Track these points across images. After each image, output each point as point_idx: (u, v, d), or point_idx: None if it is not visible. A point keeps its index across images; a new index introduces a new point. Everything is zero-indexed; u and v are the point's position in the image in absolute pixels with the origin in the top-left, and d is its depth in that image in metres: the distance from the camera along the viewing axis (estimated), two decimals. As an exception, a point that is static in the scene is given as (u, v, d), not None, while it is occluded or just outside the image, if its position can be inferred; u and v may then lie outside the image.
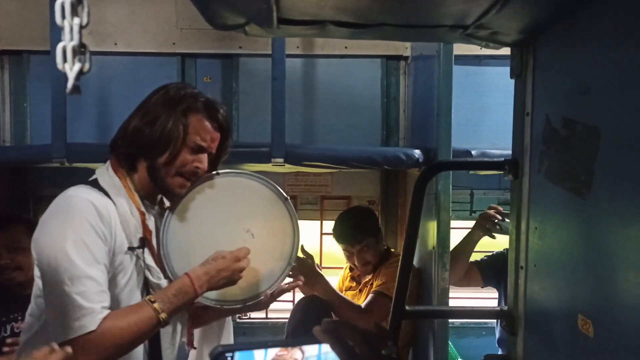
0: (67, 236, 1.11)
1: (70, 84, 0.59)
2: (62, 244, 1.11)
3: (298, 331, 2.22)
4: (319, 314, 2.22)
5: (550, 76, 1.17)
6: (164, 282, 1.30)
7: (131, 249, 1.23)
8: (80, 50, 0.60)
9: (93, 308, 1.09)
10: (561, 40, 1.11)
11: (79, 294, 1.09)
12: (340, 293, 2.28)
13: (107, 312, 1.12)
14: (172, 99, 1.29)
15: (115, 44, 2.56)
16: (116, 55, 2.58)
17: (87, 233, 1.13)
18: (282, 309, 2.96)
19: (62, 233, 1.12)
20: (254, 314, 2.96)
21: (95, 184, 1.25)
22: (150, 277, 1.28)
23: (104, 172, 1.28)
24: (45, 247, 1.13)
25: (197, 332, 1.57)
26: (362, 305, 2.20)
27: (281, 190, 1.40)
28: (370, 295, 2.21)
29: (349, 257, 2.40)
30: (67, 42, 0.59)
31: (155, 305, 1.15)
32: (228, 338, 1.61)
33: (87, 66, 0.60)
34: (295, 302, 2.40)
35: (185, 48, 2.62)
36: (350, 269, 2.56)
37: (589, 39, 1.00)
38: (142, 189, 1.30)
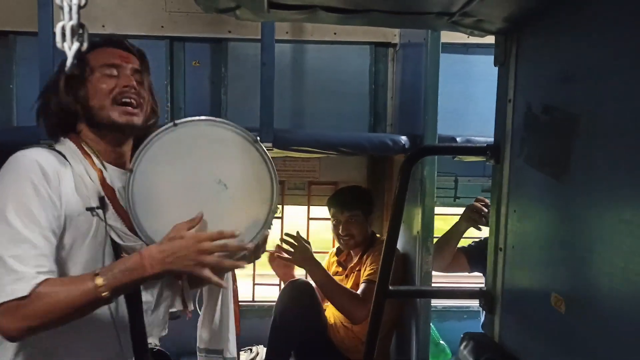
0: (8, 198, 1.06)
1: (69, 62, 0.62)
2: (3, 207, 1.05)
3: (286, 314, 2.27)
4: (306, 297, 2.27)
5: (532, 64, 1.21)
6: (138, 246, 1.21)
7: (89, 209, 1.16)
8: (78, 29, 0.62)
9: (27, 272, 1.02)
10: (544, 30, 1.14)
11: (13, 257, 1.02)
12: (336, 281, 2.32)
13: (43, 277, 1.04)
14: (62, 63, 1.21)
15: (103, 26, 2.54)
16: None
17: (29, 196, 1.07)
18: (268, 294, 3.01)
19: (3, 194, 1.07)
20: (241, 298, 3.00)
21: (52, 148, 1.20)
22: (119, 240, 1.19)
23: (60, 140, 1.24)
24: None
25: (204, 291, 1.55)
26: (359, 293, 2.24)
27: (249, 133, 1.27)
28: (362, 284, 2.26)
29: (335, 226, 2.45)
30: (67, 22, 0.61)
31: (98, 279, 1.05)
32: (227, 298, 1.58)
33: (85, 45, 0.62)
34: (283, 285, 2.43)
35: (174, 31, 2.61)
36: (337, 254, 2.60)
37: (571, 28, 1.03)
38: (98, 149, 1.23)
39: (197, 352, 1.61)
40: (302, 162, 2.86)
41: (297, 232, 2.34)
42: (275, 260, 2.39)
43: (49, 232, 1.08)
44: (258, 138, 1.28)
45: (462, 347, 1.33)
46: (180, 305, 1.38)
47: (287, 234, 2.33)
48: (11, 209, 1.05)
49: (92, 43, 1.21)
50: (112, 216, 1.20)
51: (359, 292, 2.25)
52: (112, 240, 1.19)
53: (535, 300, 1.14)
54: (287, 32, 2.64)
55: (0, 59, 2.59)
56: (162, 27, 2.59)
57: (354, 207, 2.40)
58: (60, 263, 1.13)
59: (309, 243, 2.32)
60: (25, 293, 1.01)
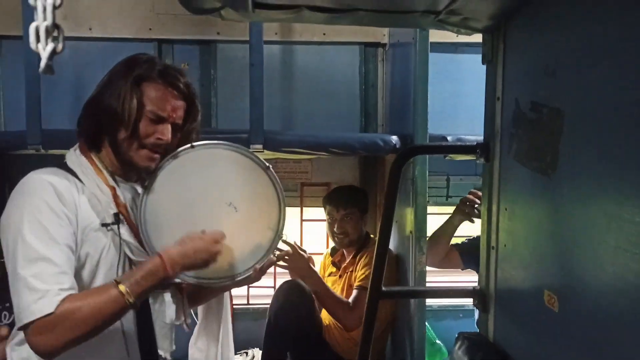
0: (23, 218, 1.08)
1: (43, 63, 0.60)
2: (19, 226, 1.08)
3: (280, 315, 2.25)
4: (300, 297, 2.26)
5: (519, 60, 1.20)
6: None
7: (105, 225, 1.19)
8: (53, 30, 0.60)
9: (49, 290, 1.04)
10: (529, 25, 1.14)
11: (34, 276, 1.05)
12: (330, 289, 2.32)
13: (65, 294, 1.06)
14: (127, 67, 1.23)
15: (90, 29, 2.52)
16: (91, 40, 2.54)
17: (44, 213, 1.09)
18: (264, 295, 2.98)
19: (19, 215, 1.09)
20: (235, 300, 2.98)
21: (64, 167, 1.22)
22: (131, 255, 1.23)
23: (72, 154, 1.26)
24: (3, 230, 1.11)
25: (200, 310, 1.57)
26: (350, 300, 2.25)
27: (262, 159, 1.32)
28: (354, 292, 2.26)
29: (330, 224, 2.46)
30: (40, 22, 0.59)
31: (121, 286, 1.09)
32: (226, 316, 1.60)
33: (60, 46, 0.61)
34: (277, 287, 2.42)
35: (162, 33, 2.59)
36: (331, 254, 2.59)
37: (554, 22, 1.03)
38: (112, 166, 1.25)
39: None
40: (294, 163, 2.85)
41: (295, 242, 2.34)
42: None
43: (67, 249, 1.11)
44: (270, 166, 1.33)
45: (456, 347, 1.32)
46: (181, 317, 1.40)
47: (283, 241, 2.31)
48: (28, 228, 1.07)
49: (149, 72, 1.22)
50: (125, 232, 1.23)
51: (350, 299, 2.25)
52: (126, 255, 1.23)
53: (528, 298, 1.13)
54: (276, 33, 2.63)
55: (-14, 64, 2.57)
56: (150, 29, 2.57)
57: (349, 205, 2.41)
58: (77, 278, 1.14)
59: (304, 251, 2.31)
60: (50, 310, 1.03)
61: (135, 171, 1.28)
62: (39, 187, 1.12)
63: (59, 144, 1.99)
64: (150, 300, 1.29)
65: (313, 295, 2.31)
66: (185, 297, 1.41)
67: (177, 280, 1.33)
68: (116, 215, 1.21)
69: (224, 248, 1.25)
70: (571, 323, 0.97)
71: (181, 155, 1.28)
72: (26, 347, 1.11)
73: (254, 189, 1.32)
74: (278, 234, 1.34)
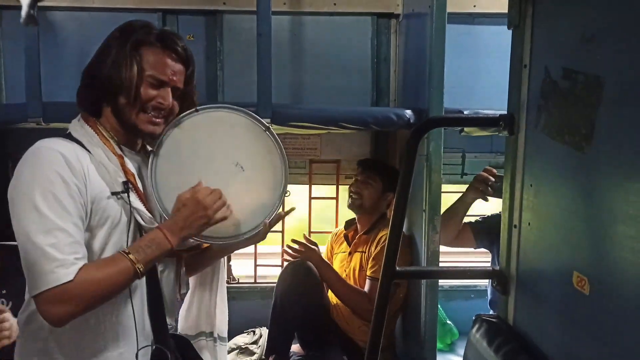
0: (35, 189, 1.09)
1: (24, 12, 0.52)
2: (31, 197, 1.08)
3: (286, 296, 2.23)
4: (306, 278, 2.22)
5: (550, 25, 1.11)
6: None
7: (115, 193, 1.20)
8: (33, -26, 0.53)
9: (66, 259, 1.07)
10: (564, -15, 1.04)
11: (51, 246, 1.07)
12: (344, 280, 2.30)
13: (81, 263, 1.10)
14: (124, 33, 1.23)
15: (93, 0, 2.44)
16: (94, 11, 2.46)
17: (56, 185, 1.10)
18: (270, 274, 2.95)
19: (30, 186, 1.09)
20: (242, 279, 2.95)
21: (69, 137, 1.22)
22: (142, 222, 1.24)
23: (76, 124, 1.25)
24: (14, 201, 1.11)
25: (191, 279, 1.58)
26: (366, 289, 2.23)
27: (261, 120, 1.38)
28: (368, 282, 2.24)
29: (353, 183, 2.45)
30: (18, -36, 0.52)
31: (131, 256, 1.14)
32: (222, 283, 1.63)
33: (42, -7, 0.53)
34: (283, 268, 2.38)
35: (166, 3, 2.50)
36: (345, 227, 2.55)
37: (595, -18, 0.94)
38: (116, 134, 1.26)
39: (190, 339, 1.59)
40: (303, 139, 2.77)
41: (304, 235, 2.38)
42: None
43: (78, 220, 1.13)
44: (270, 126, 1.38)
45: (474, 330, 1.26)
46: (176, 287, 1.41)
47: (293, 240, 2.31)
48: (41, 199, 1.08)
49: (147, 37, 1.23)
50: (135, 199, 1.24)
51: (365, 289, 2.23)
52: (136, 222, 1.24)
53: (554, 280, 1.06)
54: (284, 3, 2.53)
55: (-14, 35, 2.50)
56: (154, -1, 2.48)
57: (374, 172, 2.39)
58: (87, 247, 1.16)
59: (316, 244, 2.32)
60: (69, 278, 1.07)
61: (139, 138, 1.31)
62: (50, 157, 1.12)
63: (60, 116, 1.93)
64: (159, 269, 1.31)
65: (319, 277, 2.28)
66: (183, 265, 1.42)
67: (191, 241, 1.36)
68: (125, 183, 1.22)
69: (232, 207, 1.30)
70: (603, 306, 0.90)
71: (186, 119, 1.32)
72: (37, 320, 1.15)
73: (257, 148, 1.38)
74: (283, 191, 1.40)
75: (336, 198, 2.91)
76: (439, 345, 2.44)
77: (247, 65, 2.43)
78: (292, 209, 1.66)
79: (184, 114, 1.31)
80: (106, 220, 1.19)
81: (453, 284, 2.89)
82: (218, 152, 1.35)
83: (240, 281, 2.93)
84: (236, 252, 3.20)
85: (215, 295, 1.63)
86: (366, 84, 2.65)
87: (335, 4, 2.56)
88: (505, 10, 1.27)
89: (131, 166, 1.27)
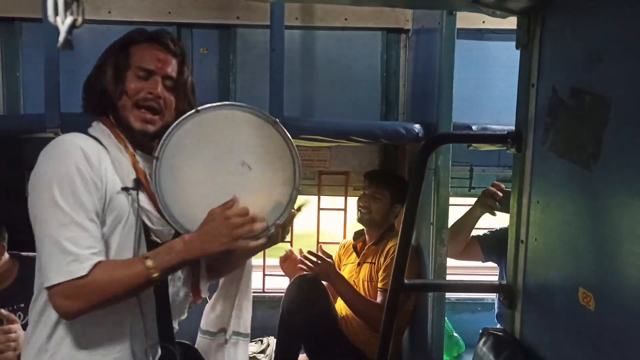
0: (53, 182, 1.10)
1: (61, 37, 0.56)
2: (50, 188, 1.10)
3: (292, 310, 2.24)
4: (312, 292, 2.24)
5: (558, 45, 1.14)
6: (166, 230, 1.28)
7: (125, 189, 1.21)
8: (72, 2, 0.57)
9: (82, 254, 1.09)
10: (572, 8, 1.07)
11: (68, 240, 1.08)
12: (358, 292, 2.31)
13: (97, 259, 1.11)
14: (118, 40, 1.28)
15: (110, 12, 2.49)
16: (110, 24, 2.51)
17: (75, 179, 1.11)
18: (279, 285, 2.97)
19: (49, 177, 1.11)
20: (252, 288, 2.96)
21: (87, 134, 1.25)
22: (149, 223, 1.25)
23: (94, 125, 1.29)
24: (33, 191, 1.13)
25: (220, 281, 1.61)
26: (378, 301, 2.24)
27: (268, 114, 1.30)
28: (380, 294, 2.26)
29: (360, 197, 2.47)
30: (59, -7, 0.56)
31: (148, 262, 1.13)
32: (247, 283, 1.63)
33: (79, 20, 0.57)
34: (289, 282, 2.39)
35: (181, 17, 2.55)
36: (354, 238, 2.57)
37: (602, 4, 0.96)
38: (127, 137, 1.27)
39: (208, 336, 1.64)
40: (312, 151, 2.80)
41: (320, 247, 2.39)
42: (285, 261, 2.40)
43: (94, 215, 1.14)
44: (277, 120, 1.29)
45: (480, 343, 1.28)
46: (193, 293, 1.43)
47: (309, 252, 2.32)
48: (59, 193, 1.09)
49: (137, 36, 1.27)
50: (144, 199, 1.24)
51: (377, 300, 2.25)
52: (143, 223, 1.24)
53: (560, 295, 1.08)
54: (296, 18, 2.57)
55: (6, 46, 2.56)
56: (170, 13, 2.53)
57: (382, 186, 2.40)
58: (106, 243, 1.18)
59: (331, 257, 2.34)
60: (84, 272, 1.08)
61: (139, 139, 1.28)
62: (71, 150, 1.13)
63: (77, 127, 1.94)
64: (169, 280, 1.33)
65: (327, 290, 2.31)
66: (203, 269, 1.42)
67: None
68: (136, 180, 1.23)
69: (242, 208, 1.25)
70: (608, 322, 0.92)
71: (187, 120, 1.26)
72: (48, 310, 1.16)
73: (265, 145, 1.29)
74: (295, 187, 1.31)
75: (344, 209, 2.94)
76: (445, 357, 2.44)
77: (259, 78, 2.46)
78: (305, 204, 1.54)
79: (185, 115, 1.26)
80: (117, 216, 1.20)
81: (460, 296, 2.90)
82: (222, 152, 1.28)
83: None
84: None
85: (243, 295, 1.64)
86: (376, 97, 2.68)
87: (346, 19, 2.60)
88: (514, 27, 1.30)
89: (143, 166, 1.27)
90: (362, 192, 2.48)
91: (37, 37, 2.39)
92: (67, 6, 0.55)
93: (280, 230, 1.36)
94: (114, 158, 1.22)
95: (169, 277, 1.33)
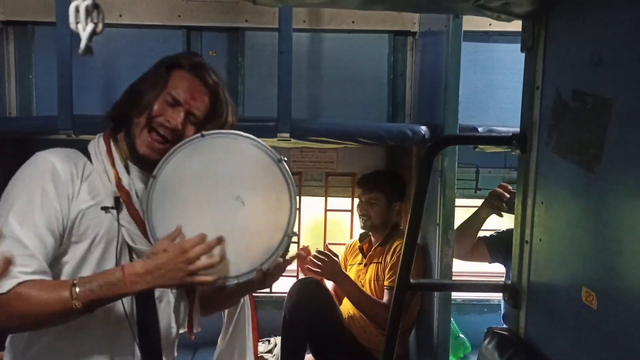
0: (14, 197, 1.10)
1: (83, 44, 0.59)
2: (9, 205, 1.09)
3: (294, 313, 2.27)
4: (313, 294, 2.27)
5: (562, 48, 1.16)
6: (149, 250, 1.18)
7: (104, 208, 1.16)
8: (93, 10, 0.59)
9: (9, 271, 0.99)
10: (574, 12, 1.09)
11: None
12: (365, 292, 2.33)
13: (24, 277, 1.03)
14: (167, 57, 1.27)
15: (121, 15, 2.53)
16: (121, 27, 2.56)
17: (34, 194, 1.09)
18: (285, 286, 2.98)
19: (13, 193, 1.11)
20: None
21: (84, 150, 1.23)
22: (131, 242, 1.19)
23: (96, 138, 1.26)
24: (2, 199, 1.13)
25: (226, 317, 1.52)
26: (384, 300, 2.26)
27: (274, 151, 1.22)
28: (386, 292, 2.28)
29: (358, 205, 2.50)
30: (80, 2, 0.58)
31: (73, 290, 1.04)
32: (244, 326, 1.51)
33: (100, 27, 0.60)
34: (291, 286, 2.40)
35: (191, 21, 2.58)
36: (360, 240, 2.59)
37: (602, 9, 0.98)
38: (129, 151, 1.23)
39: None
40: (319, 153, 2.83)
41: (325, 245, 2.41)
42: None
43: (46, 232, 1.08)
44: (285, 159, 1.22)
45: (485, 342, 1.29)
46: (185, 324, 1.34)
47: (317, 250, 2.34)
48: (14, 208, 1.08)
49: (183, 60, 1.25)
50: (125, 217, 1.19)
51: (384, 299, 2.27)
52: (125, 241, 1.19)
53: (564, 294, 1.09)
54: (304, 21, 2.60)
55: (19, 49, 2.61)
56: (179, 16, 2.57)
57: (374, 190, 2.42)
58: (70, 261, 1.14)
59: (337, 256, 2.35)
60: (3, 290, 1.02)
61: (138, 160, 1.23)
62: (40, 166, 1.13)
63: (89, 129, 2.01)
64: (157, 296, 1.24)
65: (330, 291, 2.33)
66: (196, 302, 1.34)
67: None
68: (116, 199, 1.18)
69: (227, 244, 1.16)
70: (610, 321, 0.94)
71: (190, 144, 1.21)
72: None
73: (264, 183, 1.22)
74: (287, 234, 1.21)
75: (351, 210, 2.96)
76: (451, 358, 2.45)
77: (268, 81, 2.50)
78: (294, 257, 1.45)
79: (189, 138, 1.21)
80: (89, 236, 1.15)
81: (466, 297, 2.91)
82: (219, 182, 1.21)
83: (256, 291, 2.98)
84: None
85: (242, 337, 1.51)
86: (382, 99, 2.70)
87: (353, 22, 2.62)
88: (520, 29, 1.32)
89: (133, 183, 1.22)
90: (358, 200, 2.51)
91: (49, 40, 2.45)
92: (88, 13, 0.58)
93: (268, 277, 1.26)
94: (96, 176, 1.19)
95: (158, 302, 1.24)
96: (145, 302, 1.20)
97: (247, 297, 1.49)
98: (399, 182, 2.53)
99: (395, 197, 2.44)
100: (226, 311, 1.53)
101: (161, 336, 1.24)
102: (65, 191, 1.12)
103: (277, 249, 1.21)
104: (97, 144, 1.23)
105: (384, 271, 2.34)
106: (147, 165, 1.23)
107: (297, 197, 1.25)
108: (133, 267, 1.09)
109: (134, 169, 1.24)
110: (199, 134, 1.21)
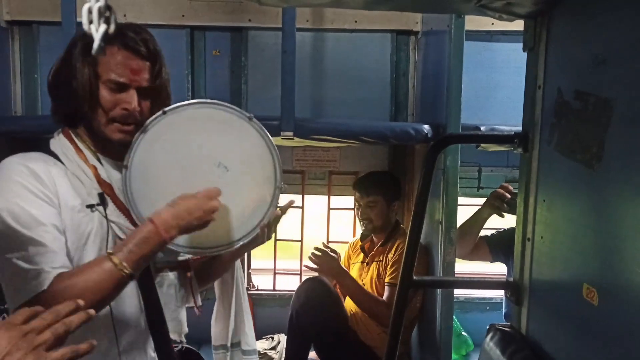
0: (1, 203, 1.03)
1: (96, 44, 0.61)
2: (5, 212, 1.02)
3: (301, 313, 2.28)
4: (321, 294, 2.28)
5: (564, 48, 1.17)
6: None
7: (89, 206, 1.12)
8: (105, 11, 0.61)
9: (38, 270, 1.01)
10: (576, 12, 1.10)
11: (21, 259, 1.00)
12: (364, 289, 2.34)
13: (56, 272, 1.02)
14: (74, 38, 1.14)
15: (125, 15, 2.55)
16: (126, 27, 2.57)
17: (22, 196, 1.04)
18: (289, 285, 3.01)
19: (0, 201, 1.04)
20: (262, 286, 3.02)
21: (49, 151, 1.17)
22: (122, 235, 1.15)
23: (55, 137, 1.20)
24: None
25: (215, 286, 1.55)
26: (384, 298, 2.27)
27: (241, 110, 1.21)
28: (387, 288, 2.29)
29: (357, 209, 2.50)
30: (93, 3, 0.60)
31: (115, 258, 1.01)
32: (239, 290, 1.55)
33: (112, 27, 0.61)
34: (299, 284, 2.43)
35: (195, 20, 2.60)
36: (361, 239, 2.60)
37: (604, 9, 0.99)
38: (93, 144, 1.18)
39: (214, 350, 1.58)
40: (322, 151, 2.85)
41: (323, 243, 2.39)
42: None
43: (52, 228, 1.06)
44: (252, 115, 1.21)
45: (487, 338, 1.31)
46: (190, 299, 1.35)
47: (316, 247, 2.34)
48: (8, 213, 1.02)
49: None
50: (113, 212, 1.16)
51: (384, 297, 2.28)
52: (116, 236, 1.16)
53: (565, 291, 1.11)
54: (307, 20, 2.62)
55: (24, 49, 2.63)
56: (183, 16, 2.58)
57: (372, 193, 2.42)
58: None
59: (335, 252, 2.35)
60: (42, 288, 1.00)
61: (115, 147, 1.19)
62: (13, 170, 1.07)
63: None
64: (157, 281, 1.24)
65: (337, 291, 2.34)
66: (194, 277, 1.35)
67: (182, 257, 1.29)
68: (101, 195, 1.14)
69: (221, 212, 1.16)
70: (611, 317, 0.95)
71: (154, 124, 1.17)
72: None
73: (241, 143, 1.21)
74: (277, 185, 1.23)
75: (354, 209, 2.98)
76: (454, 356, 2.47)
77: (271, 80, 2.51)
78: (291, 203, 1.43)
79: (151, 118, 1.16)
80: (81, 235, 1.11)
81: (469, 295, 2.92)
82: (194, 154, 1.19)
83: (259, 288, 3.00)
84: (256, 267, 3.25)
85: (235, 306, 1.55)
86: (385, 98, 2.72)
87: (356, 21, 2.64)
88: (522, 29, 1.33)
89: (110, 176, 1.18)
90: (356, 204, 2.51)
91: (54, 40, 2.46)
92: (100, 14, 0.60)
93: (266, 230, 1.30)
94: (72, 176, 1.13)
95: (159, 286, 1.25)
96: (147, 288, 1.20)
97: (239, 267, 1.53)
98: (394, 182, 2.53)
99: (393, 197, 2.44)
100: (216, 288, 1.55)
101: (170, 317, 1.26)
102: (52, 190, 1.08)
103: (271, 202, 1.24)
104: (60, 144, 1.17)
105: (385, 268, 2.35)
106: (118, 154, 1.19)
107: (276, 148, 1.23)
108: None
109: (105, 161, 1.19)
110: (160, 112, 1.17)
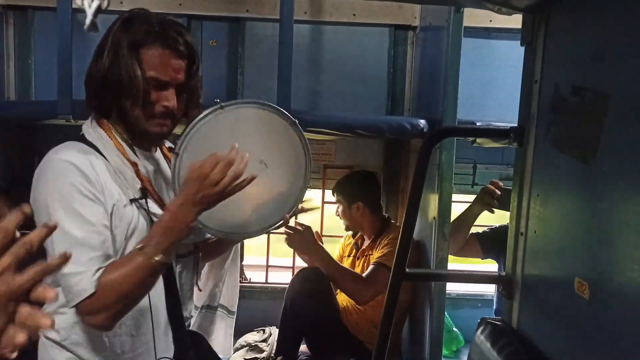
0: (53, 204, 1.09)
1: (88, 19, 0.60)
2: (50, 212, 1.08)
3: (295, 303, 2.28)
4: (316, 285, 2.27)
5: (562, 43, 1.17)
6: None
7: (132, 200, 1.19)
8: (99, -14, 0.60)
9: (86, 272, 1.07)
10: (576, 7, 1.10)
11: (73, 262, 1.00)
12: (340, 264, 2.33)
13: (100, 272, 1.09)
14: (123, 33, 1.17)
15: (121, 2, 2.52)
16: (122, 14, 2.55)
17: (74, 197, 1.09)
18: (282, 279, 3.01)
19: (48, 201, 1.09)
20: (254, 278, 3.01)
21: (83, 139, 1.21)
22: None
23: (89, 126, 1.23)
24: (35, 215, 1.10)
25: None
26: (364, 275, 2.25)
27: (288, 115, 1.32)
28: (371, 266, 2.27)
29: (341, 210, 2.50)
30: (87, -23, 0.59)
31: (146, 249, 1.09)
32: (236, 258, 1.64)
33: (105, 3, 0.60)
34: (294, 273, 2.43)
35: (192, 9, 2.59)
36: (353, 236, 2.60)
37: (603, 5, 0.99)
38: (129, 136, 1.23)
39: (198, 310, 1.63)
40: (317, 145, 2.84)
41: (296, 221, 2.30)
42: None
43: (103, 229, 1.12)
44: (296, 121, 1.33)
45: (478, 332, 1.31)
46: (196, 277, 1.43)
47: (287, 226, 2.24)
48: (62, 214, 1.08)
49: (149, 36, 1.16)
50: (153, 205, 1.22)
51: (365, 274, 2.26)
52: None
53: (557, 286, 1.11)
54: (305, 12, 2.61)
55: (19, 34, 2.61)
56: (180, 4, 2.57)
57: (335, 194, 2.49)
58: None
59: (308, 227, 2.29)
60: (92, 290, 1.07)
61: (150, 139, 1.27)
62: (62, 170, 1.11)
63: (89, 114, 2.00)
64: (179, 270, 1.32)
65: (330, 281, 2.34)
66: (201, 262, 1.44)
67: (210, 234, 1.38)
68: (142, 190, 1.21)
69: (255, 202, 1.31)
70: (601, 310, 0.95)
71: (210, 115, 1.25)
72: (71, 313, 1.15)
73: (282, 144, 1.34)
74: (305, 185, 1.39)
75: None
76: (444, 351, 2.47)
77: (267, 71, 2.50)
78: (314, 207, 1.64)
79: (208, 110, 1.24)
80: (124, 228, 1.17)
81: (460, 292, 2.93)
82: (242, 149, 1.24)
83: (252, 280, 3.00)
84: (249, 262, 3.25)
85: (228, 271, 1.64)
86: (382, 93, 2.71)
87: (354, 15, 2.63)
88: (520, 26, 1.33)
89: (147, 170, 1.25)
90: (339, 206, 2.53)
91: (49, 25, 2.44)
92: (94, -10, 0.59)
93: (287, 220, 1.43)
94: (115, 168, 1.18)
95: (179, 273, 1.33)
96: (167, 272, 1.24)
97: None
98: (359, 182, 2.49)
99: (353, 198, 2.42)
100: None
101: (187, 301, 1.36)
102: (98, 187, 1.13)
103: (297, 199, 1.40)
104: (98, 135, 1.21)
105: (376, 253, 2.34)
106: (149, 145, 1.28)
107: (310, 152, 1.37)
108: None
109: (140, 154, 1.25)
110: (217, 106, 1.25)
